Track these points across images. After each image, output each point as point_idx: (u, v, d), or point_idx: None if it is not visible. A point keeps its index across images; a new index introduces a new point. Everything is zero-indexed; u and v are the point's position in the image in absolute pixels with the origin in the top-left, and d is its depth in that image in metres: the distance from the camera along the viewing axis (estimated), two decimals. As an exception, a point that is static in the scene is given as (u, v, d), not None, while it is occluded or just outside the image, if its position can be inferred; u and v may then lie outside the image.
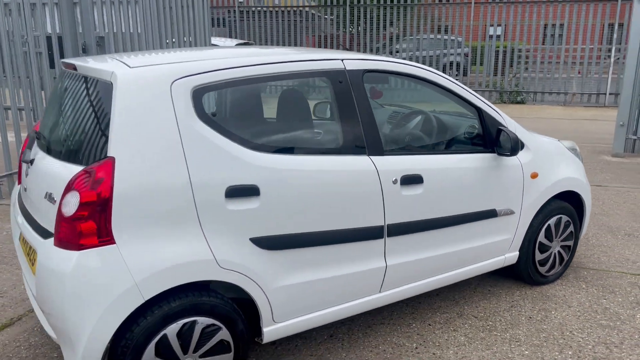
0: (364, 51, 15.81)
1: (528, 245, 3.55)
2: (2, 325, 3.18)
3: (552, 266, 3.75)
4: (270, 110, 2.84)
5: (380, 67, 2.90)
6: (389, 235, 2.83)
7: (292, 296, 2.58)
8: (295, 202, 2.52)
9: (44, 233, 2.36)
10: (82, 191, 2.13)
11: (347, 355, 2.91)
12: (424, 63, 14.49)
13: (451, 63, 15.74)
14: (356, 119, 2.75)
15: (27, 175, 2.66)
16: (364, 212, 2.72)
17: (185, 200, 2.27)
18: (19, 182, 3.04)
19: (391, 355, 2.91)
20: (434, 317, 3.31)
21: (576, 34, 13.82)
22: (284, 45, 16.08)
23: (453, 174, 3.04)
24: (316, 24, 16.47)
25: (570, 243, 3.81)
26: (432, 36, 15.32)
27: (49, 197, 2.33)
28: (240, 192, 2.38)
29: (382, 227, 2.79)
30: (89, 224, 2.12)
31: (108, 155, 2.16)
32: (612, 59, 13.29)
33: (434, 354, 2.94)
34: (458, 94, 3.16)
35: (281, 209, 2.48)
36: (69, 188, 2.17)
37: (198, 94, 2.37)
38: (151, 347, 2.26)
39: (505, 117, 3.35)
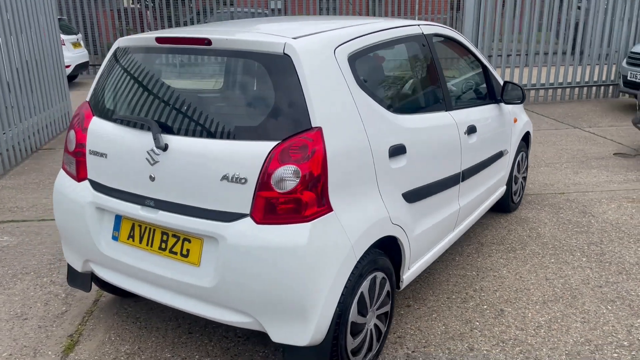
0: (169, 26, 15.02)
1: (509, 179, 4.28)
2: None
3: (520, 193, 4.58)
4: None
5: (439, 31, 3.26)
6: (462, 180, 3.25)
7: (419, 242, 2.86)
8: (426, 157, 2.79)
9: (221, 216, 2.24)
10: (301, 164, 2.12)
11: (433, 292, 3.29)
12: None
13: None
14: (438, 79, 3.08)
15: (153, 163, 2.41)
16: (454, 160, 3.10)
17: (369, 162, 2.39)
18: (81, 175, 2.70)
19: (466, 282, 3.37)
20: (466, 250, 3.85)
21: (347, 5, 15.21)
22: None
23: (489, 122, 3.58)
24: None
25: (526, 174, 4.67)
26: (245, 9, 15.45)
27: (232, 178, 2.21)
28: (396, 151, 2.57)
29: (460, 174, 3.20)
30: (310, 194, 2.13)
31: (313, 125, 2.17)
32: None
33: (494, 275, 3.48)
34: (478, 57, 3.67)
35: (419, 163, 2.73)
36: (276, 164, 2.13)
37: (353, 60, 2.47)
38: (354, 306, 2.36)
39: (496, 73, 3.97)
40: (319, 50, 2.31)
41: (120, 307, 3.18)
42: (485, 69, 3.79)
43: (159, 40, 2.52)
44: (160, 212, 2.40)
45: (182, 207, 2.35)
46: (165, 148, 2.36)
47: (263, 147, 2.18)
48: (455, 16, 18.12)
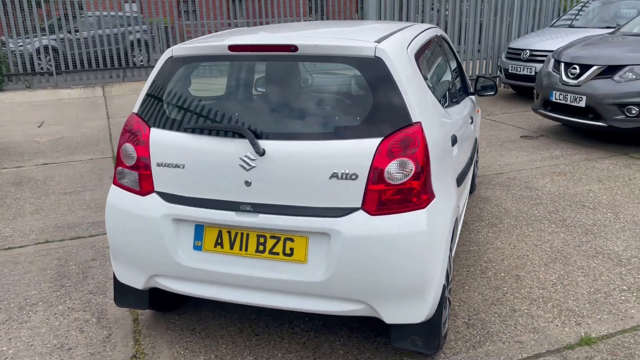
0: (26, 33, 13.25)
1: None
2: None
3: (477, 174, 5.13)
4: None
5: (442, 33, 3.61)
6: (471, 164, 3.65)
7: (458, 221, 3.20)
8: (462, 144, 3.12)
9: (332, 212, 2.36)
10: (409, 156, 2.32)
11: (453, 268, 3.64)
12: (109, 42, 13.17)
13: (138, 41, 15.31)
14: (452, 75, 3.44)
15: (249, 168, 2.43)
16: (469, 146, 3.47)
17: (448, 150, 2.66)
18: (145, 189, 2.63)
19: (474, 256, 3.77)
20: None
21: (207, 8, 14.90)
22: None
23: (473, 112, 4.02)
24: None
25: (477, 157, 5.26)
26: (112, 13, 14.59)
27: (341, 176, 2.33)
28: (454, 140, 2.86)
29: (470, 158, 3.59)
30: (420, 183, 2.34)
31: (414, 120, 2.37)
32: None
33: (493, 247, 3.92)
34: (456, 54, 4.09)
35: (461, 150, 3.06)
36: (385, 158, 2.30)
37: (416, 59, 2.71)
38: (446, 281, 2.62)
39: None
40: (399, 51, 2.53)
41: (167, 322, 3.10)
42: (459, 64, 4.22)
43: (233, 48, 2.55)
44: (261, 215, 2.44)
45: (284, 208, 2.42)
46: (262, 153, 2.41)
47: (370, 144, 2.34)
48: (315, 20, 18.83)
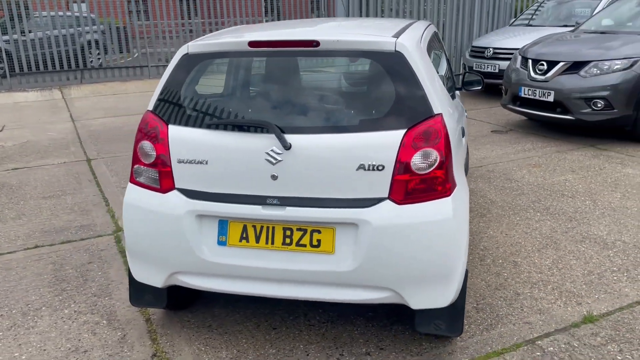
0: None
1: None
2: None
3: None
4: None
5: (435, 29, 3.73)
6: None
7: None
8: (464, 135, 3.24)
9: (360, 203, 2.42)
10: (433, 147, 2.40)
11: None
12: (65, 43, 12.73)
13: (96, 42, 14.85)
14: (446, 68, 3.56)
15: (275, 162, 2.46)
16: (466, 136, 3.60)
17: (460, 141, 2.77)
18: (165, 186, 2.63)
19: (471, 245, 3.91)
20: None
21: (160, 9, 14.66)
22: None
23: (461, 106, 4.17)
24: None
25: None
26: (68, 13, 14.16)
27: (368, 167, 2.40)
28: (462, 132, 2.98)
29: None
30: (443, 172, 2.43)
31: (435, 112, 2.46)
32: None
33: (486, 236, 4.07)
34: (445, 51, 4.22)
35: (466, 141, 3.17)
36: (410, 149, 2.38)
37: (428, 53, 2.81)
38: (462, 267, 2.73)
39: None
40: (416, 45, 2.61)
41: (181, 320, 3.09)
42: (448, 60, 4.36)
43: (253, 44, 2.57)
44: (288, 208, 2.48)
45: (312, 201, 2.47)
46: (289, 147, 2.45)
47: (394, 136, 2.42)
48: (271, 20, 18.78)
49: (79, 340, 2.94)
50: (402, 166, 2.39)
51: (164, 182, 2.63)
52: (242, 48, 2.60)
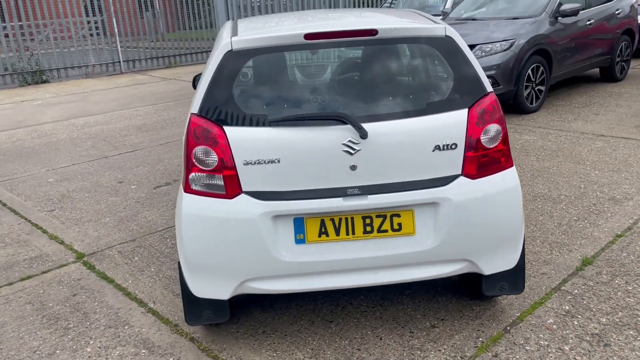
0: None
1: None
2: None
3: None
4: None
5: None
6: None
7: None
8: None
9: (437, 182, 2.54)
10: (497, 122, 2.60)
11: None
12: None
13: None
14: None
15: (354, 152, 2.46)
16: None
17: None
18: (232, 191, 2.50)
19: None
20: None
21: (63, 7, 13.77)
22: None
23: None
24: None
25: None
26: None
27: (443, 147, 2.52)
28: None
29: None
30: (505, 145, 2.65)
31: (488, 91, 2.66)
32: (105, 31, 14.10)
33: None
34: None
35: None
36: (476, 127, 2.56)
37: None
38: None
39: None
40: (456, 31, 2.79)
41: (229, 333, 2.93)
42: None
43: (309, 36, 2.54)
44: (370, 196, 2.51)
45: (391, 186, 2.53)
46: (366, 136, 2.48)
47: (460, 115, 2.58)
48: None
49: (130, 375, 2.65)
50: (472, 143, 2.56)
51: (229, 186, 2.49)
52: (297, 41, 2.55)
